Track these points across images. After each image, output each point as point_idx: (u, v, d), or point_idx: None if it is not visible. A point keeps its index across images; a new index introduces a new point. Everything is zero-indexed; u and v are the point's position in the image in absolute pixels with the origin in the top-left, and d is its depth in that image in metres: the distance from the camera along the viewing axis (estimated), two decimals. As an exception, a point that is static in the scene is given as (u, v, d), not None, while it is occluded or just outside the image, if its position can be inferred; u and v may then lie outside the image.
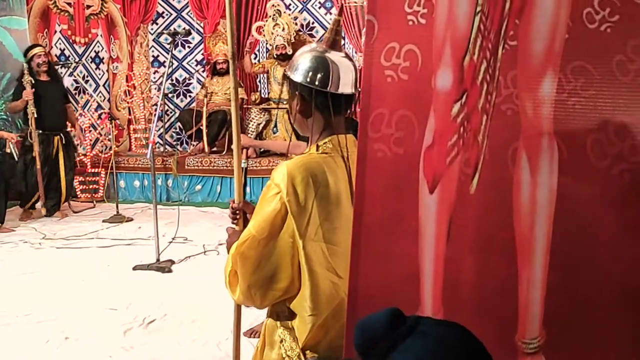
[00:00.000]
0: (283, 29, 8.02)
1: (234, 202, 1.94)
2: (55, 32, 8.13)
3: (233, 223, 1.94)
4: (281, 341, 1.69)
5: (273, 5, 8.31)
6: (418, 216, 1.46)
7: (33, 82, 6.46)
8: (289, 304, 1.67)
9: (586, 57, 1.29)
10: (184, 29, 7.01)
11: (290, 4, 8.58)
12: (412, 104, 1.45)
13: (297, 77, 1.73)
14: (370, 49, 1.48)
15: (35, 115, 6.46)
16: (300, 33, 8.48)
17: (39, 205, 6.73)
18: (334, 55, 1.73)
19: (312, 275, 1.62)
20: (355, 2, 8.21)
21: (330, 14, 8.45)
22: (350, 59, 1.77)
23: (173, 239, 5.49)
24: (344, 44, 8.25)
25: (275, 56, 8.12)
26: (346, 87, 1.72)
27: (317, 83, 1.70)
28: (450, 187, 1.43)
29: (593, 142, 1.29)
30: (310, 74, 1.71)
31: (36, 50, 6.73)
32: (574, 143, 1.31)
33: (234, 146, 1.98)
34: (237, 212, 1.92)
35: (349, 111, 1.81)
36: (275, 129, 8.04)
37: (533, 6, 1.33)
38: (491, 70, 1.39)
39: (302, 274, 1.63)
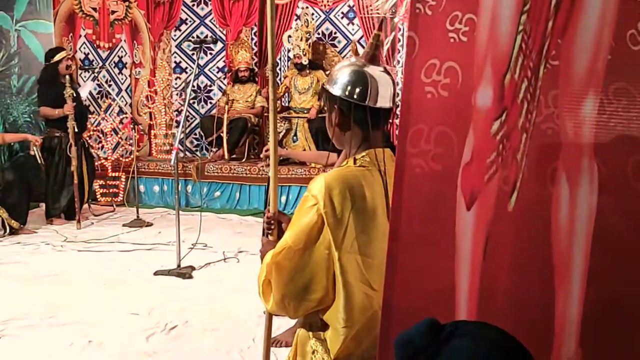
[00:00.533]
0: (302, 39, 8.06)
1: (269, 211, 1.95)
2: (80, 36, 8.22)
3: (267, 232, 1.96)
4: (313, 352, 1.70)
5: (304, 15, 8.35)
6: (455, 232, 1.47)
7: (75, 95, 6.51)
8: (322, 315, 1.68)
9: (628, 79, 1.29)
10: (211, 37, 7.07)
11: (313, 13, 8.62)
12: (451, 120, 1.46)
13: (336, 90, 1.75)
14: (411, 65, 1.49)
15: (76, 130, 6.50)
16: (322, 42, 8.52)
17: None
18: (372, 70, 1.75)
19: (347, 286, 1.64)
20: (378, 14, 8.24)
21: (353, 24, 8.49)
22: (389, 74, 1.79)
23: (194, 245, 5.52)
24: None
25: (294, 65, 8.17)
26: (384, 101, 1.74)
27: (355, 97, 1.72)
28: (488, 204, 1.44)
29: (634, 163, 1.30)
30: (349, 87, 1.73)
31: (64, 54, 6.79)
32: (614, 164, 1.32)
33: (270, 157, 2.00)
34: (272, 222, 1.93)
35: (387, 125, 1.83)
36: (295, 137, 8.07)
37: (576, 26, 1.34)
38: (532, 89, 1.40)
39: (336, 285, 1.65)
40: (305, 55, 7.93)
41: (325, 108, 1.83)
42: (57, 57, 6.71)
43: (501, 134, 1.42)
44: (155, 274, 4.84)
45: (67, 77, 6.50)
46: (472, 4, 1.44)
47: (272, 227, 1.92)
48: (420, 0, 1.49)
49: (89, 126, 7.53)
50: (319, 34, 8.62)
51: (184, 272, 4.80)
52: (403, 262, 1.51)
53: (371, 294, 1.64)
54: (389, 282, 1.54)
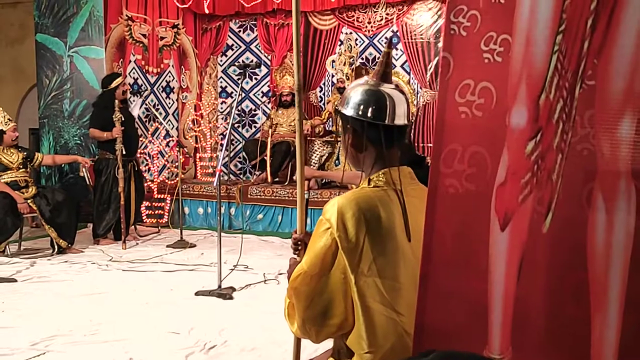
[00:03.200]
0: (345, 64, 8.12)
1: (296, 232, 1.95)
2: (130, 61, 8.44)
3: (295, 253, 1.95)
4: (340, 379, 1.68)
5: (343, 41, 8.42)
6: (488, 254, 1.45)
7: (123, 119, 6.68)
8: (346, 340, 1.66)
9: (667, 99, 1.27)
10: (254, 61, 7.17)
11: (357, 39, 8.68)
12: (485, 140, 1.45)
13: (349, 111, 1.73)
14: (445, 85, 1.49)
15: (124, 152, 6.65)
16: (367, 67, 8.56)
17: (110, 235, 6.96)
18: (385, 88, 1.73)
19: (367, 311, 1.60)
20: (422, 39, 8.25)
21: (396, 49, 8.51)
22: (402, 91, 1.77)
23: (235, 266, 5.56)
24: (409, 80, 8.28)
25: (337, 89, 8.22)
26: (399, 118, 1.72)
27: (369, 116, 1.70)
28: (522, 226, 1.41)
29: (673, 185, 1.26)
30: (362, 107, 1.71)
31: (120, 80, 6.97)
32: (652, 185, 1.28)
33: (297, 176, 1.99)
34: (299, 242, 1.93)
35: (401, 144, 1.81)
36: (337, 161, 8.09)
37: (612, 46, 1.32)
38: (567, 109, 1.38)
39: (355, 310, 1.62)
40: (348, 79, 7.98)
41: (340, 130, 1.81)
42: (114, 84, 6.90)
43: (536, 154, 1.40)
44: (197, 294, 4.88)
45: (117, 101, 6.66)
46: (507, 24, 1.43)
47: (300, 247, 1.91)
48: (455, 21, 1.49)
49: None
50: (362, 59, 8.66)
51: (224, 293, 4.82)
52: (435, 283, 1.49)
53: (395, 317, 1.61)
54: (421, 305, 1.52)
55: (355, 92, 1.75)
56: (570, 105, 1.38)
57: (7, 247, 6.20)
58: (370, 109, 1.71)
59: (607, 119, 1.33)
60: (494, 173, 1.44)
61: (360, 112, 1.71)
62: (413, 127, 8.21)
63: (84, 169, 6.84)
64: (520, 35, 1.41)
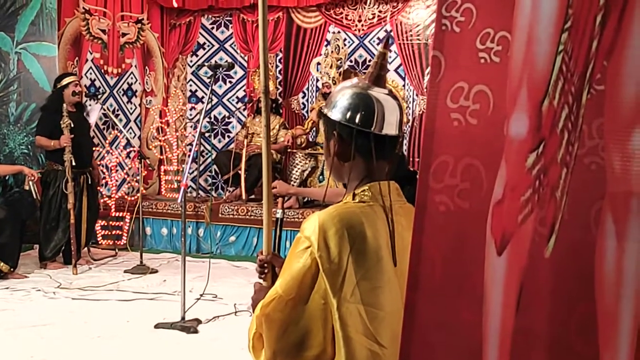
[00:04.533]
0: (331, 66, 8.15)
1: (262, 253, 1.93)
2: (87, 60, 8.44)
3: (260, 278, 1.93)
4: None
5: (330, 41, 8.46)
6: (483, 280, 1.44)
7: (72, 125, 6.64)
8: None
9: (685, 106, 1.27)
10: (227, 62, 7.16)
11: (345, 39, 8.72)
12: (480, 151, 1.44)
13: (335, 114, 1.73)
14: (436, 88, 1.48)
15: (74, 163, 6.61)
16: (356, 71, 8.59)
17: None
18: (377, 92, 1.73)
19: (348, 342, 1.58)
20: (419, 40, 8.31)
21: (390, 50, 8.54)
22: (395, 97, 1.78)
23: (201, 295, 5.52)
24: (404, 85, 8.32)
25: (322, 95, 8.24)
26: (391, 127, 1.72)
27: (357, 122, 1.70)
28: (521, 249, 1.40)
29: (691, 204, 1.27)
30: (350, 112, 1.71)
31: (71, 78, 6.97)
32: (668, 204, 1.28)
33: (263, 191, 1.96)
34: (265, 265, 1.91)
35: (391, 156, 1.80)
36: (321, 176, 8.10)
37: (624, 47, 1.32)
38: (573, 117, 1.38)
39: (336, 340, 1.60)
40: (335, 84, 8.00)
41: (323, 135, 1.80)
42: (64, 82, 6.88)
43: (537, 168, 1.40)
44: (157, 326, 4.84)
45: (65, 106, 6.63)
46: (506, 20, 1.43)
47: (266, 271, 1.90)
48: (447, 15, 1.49)
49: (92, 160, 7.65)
50: (351, 61, 8.71)
51: (188, 326, 4.79)
52: (423, 313, 1.48)
53: (377, 350, 1.60)
54: (406, 337, 1.50)
55: (343, 94, 1.74)
56: (577, 113, 1.38)
57: (-61, 270, 6.12)
58: (358, 115, 1.70)
59: (618, 129, 1.33)
60: (490, 189, 1.43)
61: (348, 118, 1.71)
62: (408, 139, 8.24)
63: (30, 182, 6.77)
64: (520, 33, 1.42)
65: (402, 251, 1.64)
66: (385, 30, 8.61)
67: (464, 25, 1.47)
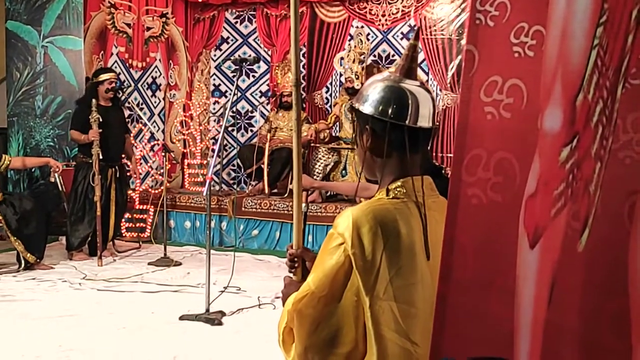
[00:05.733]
0: (354, 61, 8.14)
1: (292, 247, 1.93)
2: (112, 54, 8.49)
3: (290, 272, 1.93)
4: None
5: (354, 35, 8.46)
6: (515, 274, 1.44)
7: (101, 120, 6.70)
8: None
9: None
10: (251, 56, 7.18)
11: (369, 34, 8.71)
12: (514, 145, 1.45)
13: (367, 108, 1.71)
14: (469, 82, 1.48)
15: (101, 157, 6.67)
16: (379, 65, 8.58)
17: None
18: (409, 85, 1.71)
19: (380, 340, 1.58)
20: (443, 35, 8.27)
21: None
22: (428, 90, 1.76)
23: (225, 288, 5.55)
24: (427, 80, 8.30)
25: (345, 90, 8.24)
26: (424, 120, 1.70)
27: (390, 115, 1.68)
28: (554, 243, 1.41)
29: None
30: (383, 105, 1.69)
31: (109, 75, 7.03)
32: None
33: (294, 185, 1.95)
34: (296, 259, 1.90)
35: (425, 149, 1.79)
36: (344, 171, 8.10)
37: (660, 41, 1.32)
38: (608, 111, 1.37)
39: (367, 338, 1.59)
40: (358, 79, 7.99)
41: (355, 130, 1.78)
42: (100, 77, 6.96)
43: (571, 162, 1.40)
44: (181, 318, 4.88)
45: (94, 100, 6.68)
46: (540, 14, 1.43)
47: (296, 265, 1.89)
48: (481, 10, 1.49)
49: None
50: (374, 56, 8.70)
51: (212, 318, 4.82)
52: (454, 306, 1.48)
53: (410, 348, 1.59)
54: (438, 331, 1.51)
55: (375, 88, 1.72)
56: (612, 107, 1.38)
57: (-33, 261, 6.21)
58: (390, 108, 1.68)
59: (653, 124, 1.34)
60: (523, 183, 1.43)
61: (380, 111, 1.69)
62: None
63: (55, 174, 6.84)
64: (555, 27, 1.41)
65: (436, 247, 1.63)
66: (409, 25, 8.59)
67: (498, 19, 1.47)
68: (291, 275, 1.91)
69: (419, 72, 8.19)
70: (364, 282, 1.58)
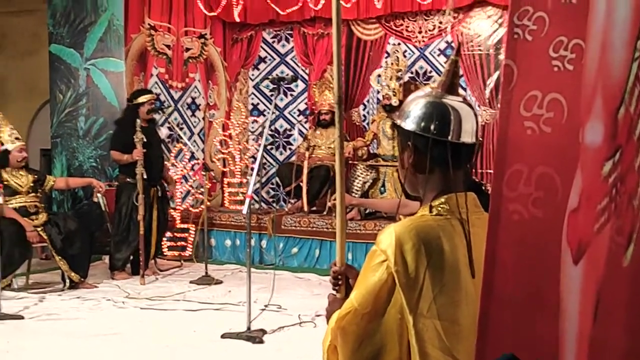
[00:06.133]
0: (392, 78, 8.14)
1: (335, 264, 1.91)
2: (152, 75, 8.62)
3: (334, 289, 1.92)
4: None
5: (390, 53, 8.48)
6: (559, 290, 1.42)
7: (145, 140, 6.79)
8: None
9: None
10: (289, 75, 7.21)
11: (405, 51, 8.71)
12: (555, 160, 1.43)
13: (409, 125, 1.70)
14: (508, 97, 1.48)
15: (145, 176, 6.73)
16: (416, 82, 8.56)
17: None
18: (451, 100, 1.71)
19: (424, 357, 1.57)
20: (480, 51, 8.24)
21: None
22: (470, 105, 1.75)
23: (266, 306, 5.56)
24: (465, 97, 8.25)
25: (382, 107, 8.23)
26: (467, 135, 1.69)
27: (433, 131, 1.67)
28: (598, 258, 1.39)
29: None
30: (425, 121, 1.68)
31: (148, 97, 7.15)
32: None
33: (337, 201, 1.94)
34: (339, 277, 1.89)
35: (468, 165, 1.78)
36: (382, 188, 8.08)
37: (703, 52, 1.30)
38: (651, 124, 1.36)
39: (412, 356, 1.58)
40: (395, 95, 7.99)
41: (397, 147, 1.78)
42: (140, 99, 7.06)
43: (614, 176, 1.38)
44: (223, 336, 4.89)
45: (139, 121, 6.78)
46: (579, 28, 1.42)
47: (340, 282, 1.88)
48: (519, 24, 1.48)
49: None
50: (412, 72, 8.69)
51: (254, 336, 4.83)
52: (497, 323, 1.47)
53: None
54: (481, 349, 1.50)
55: (417, 104, 1.72)
56: (655, 120, 1.36)
57: (13, 280, 6.33)
58: (433, 124, 1.67)
59: (697, 136, 1.31)
60: (565, 197, 1.42)
61: (422, 127, 1.68)
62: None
63: (98, 194, 6.96)
64: (594, 40, 1.40)
65: (481, 264, 1.63)
66: (446, 42, 8.57)
67: (536, 33, 1.47)
68: (335, 292, 1.90)
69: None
70: (407, 300, 1.57)
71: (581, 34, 1.41)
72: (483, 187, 3.43)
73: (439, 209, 1.68)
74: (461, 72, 8.31)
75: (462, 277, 1.62)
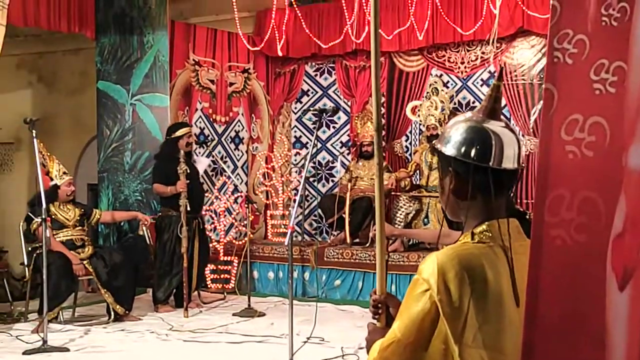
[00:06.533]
0: (436, 108, 8.13)
1: (375, 293, 1.89)
2: (196, 110, 8.73)
3: (374, 318, 1.89)
4: None
5: (433, 84, 8.47)
6: (605, 317, 1.38)
7: (188, 171, 6.87)
8: None
9: None
10: (331, 107, 7.26)
11: (448, 82, 8.69)
12: (598, 184, 1.41)
13: (449, 150, 1.68)
14: (549, 121, 1.46)
15: (189, 208, 6.79)
16: (459, 112, 8.52)
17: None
18: (493, 125, 1.69)
19: None
20: (524, 80, 8.19)
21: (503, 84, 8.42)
22: (512, 130, 1.72)
23: (308, 338, 5.53)
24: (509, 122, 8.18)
25: (426, 137, 8.20)
26: (509, 161, 1.67)
27: (473, 157, 1.65)
28: (645, 284, 1.35)
29: None
30: (465, 146, 1.66)
31: (186, 130, 7.24)
32: None
33: (377, 230, 1.91)
34: (380, 305, 1.86)
35: (510, 192, 1.76)
36: (426, 219, 8.01)
37: None
38: (696, 146, 1.32)
39: None
40: (441, 125, 7.96)
41: (438, 173, 1.76)
42: (178, 133, 7.15)
43: (660, 200, 1.35)
44: (265, 369, 4.88)
45: (183, 152, 6.86)
46: (621, 50, 1.40)
47: (380, 311, 1.85)
48: (559, 47, 1.47)
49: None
50: (455, 103, 8.65)
51: (296, 369, 4.81)
52: (542, 353, 1.44)
53: None
54: (526, 377, 1.46)
55: (457, 129, 1.70)
56: (699, 142, 1.33)
57: (60, 313, 6.39)
58: (474, 149, 1.66)
59: None
60: (610, 222, 1.39)
61: (463, 153, 1.66)
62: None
63: (144, 228, 7.04)
64: (637, 62, 1.38)
65: (524, 292, 1.59)
66: (489, 72, 8.53)
67: (577, 56, 1.45)
68: (375, 321, 1.88)
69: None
70: (452, 330, 1.54)
71: (623, 56, 1.39)
72: (527, 216, 3.37)
73: (481, 236, 1.66)
74: (505, 102, 8.26)
75: (505, 306, 1.59)
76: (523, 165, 1.71)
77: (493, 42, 8.03)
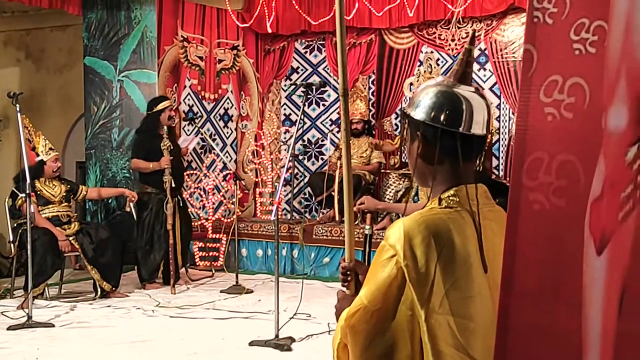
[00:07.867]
0: (424, 85, 8.10)
1: (344, 260, 1.87)
2: (185, 87, 8.67)
3: (343, 285, 1.87)
4: None
5: (427, 60, 8.43)
6: (582, 283, 1.36)
7: (172, 147, 6.80)
8: None
9: None
10: (318, 81, 7.19)
11: (438, 59, 8.65)
12: (577, 147, 1.38)
13: (418, 114, 1.66)
14: (528, 83, 1.42)
15: (173, 185, 6.74)
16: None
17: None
18: (463, 90, 1.66)
19: (437, 355, 1.51)
20: (514, 58, 8.15)
21: (484, 69, 8.42)
22: (483, 96, 1.70)
23: (295, 314, 5.53)
24: (499, 105, 8.16)
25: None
26: (478, 127, 1.64)
27: (442, 121, 1.62)
28: (623, 248, 1.32)
29: None
30: (435, 110, 1.63)
31: (167, 103, 7.16)
32: None
33: (344, 192, 1.89)
34: (349, 272, 1.84)
35: (479, 158, 1.73)
36: (416, 197, 7.99)
37: None
38: (677, 107, 1.30)
39: (424, 353, 1.53)
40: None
41: (406, 137, 1.73)
42: (160, 106, 7.06)
43: (639, 162, 1.32)
44: (251, 344, 4.87)
45: (166, 128, 6.80)
46: (602, 9, 1.37)
47: (349, 278, 1.83)
48: (539, 7, 1.43)
49: (190, 183, 7.85)
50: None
51: (282, 344, 4.80)
52: (518, 318, 1.41)
53: None
54: (500, 347, 1.44)
55: (427, 93, 1.67)
56: (681, 103, 1.30)
57: (46, 289, 6.36)
58: (443, 114, 1.63)
59: None
60: (588, 186, 1.36)
61: (432, 117, 1.64)
62: (505, 157, 8.05)
63: (131, 204, 6.99)
64: (618, 22, 1.35)
65: (493, 258, 1.57)
66: (480, 49, 8.47)
67: (557, 16, 1.42)
68: (344, 289, 1.85)
69: (491, 95, 8.11)
70: (418, 295, 1.52)
71: (604, 16, 1.36)
72: (503, 185, 3.34)
73: (449, 201, 1.63)
74: (495, 79, 8.23)
75: (474, 272, 1.56)
76: (492, 132, 1.68)
77: (456, 22, 8.00)
